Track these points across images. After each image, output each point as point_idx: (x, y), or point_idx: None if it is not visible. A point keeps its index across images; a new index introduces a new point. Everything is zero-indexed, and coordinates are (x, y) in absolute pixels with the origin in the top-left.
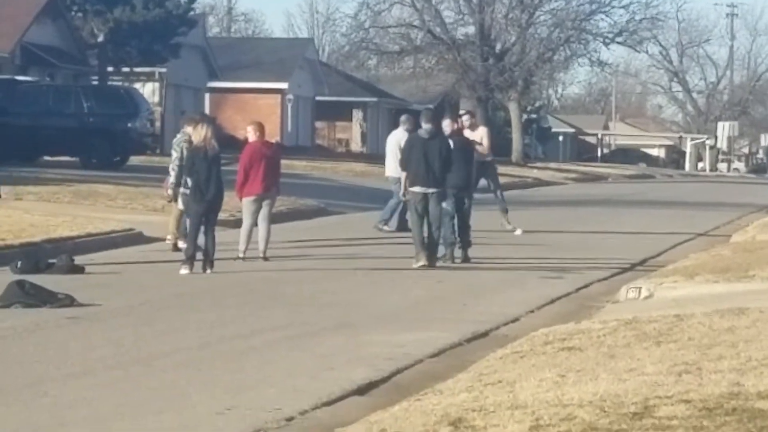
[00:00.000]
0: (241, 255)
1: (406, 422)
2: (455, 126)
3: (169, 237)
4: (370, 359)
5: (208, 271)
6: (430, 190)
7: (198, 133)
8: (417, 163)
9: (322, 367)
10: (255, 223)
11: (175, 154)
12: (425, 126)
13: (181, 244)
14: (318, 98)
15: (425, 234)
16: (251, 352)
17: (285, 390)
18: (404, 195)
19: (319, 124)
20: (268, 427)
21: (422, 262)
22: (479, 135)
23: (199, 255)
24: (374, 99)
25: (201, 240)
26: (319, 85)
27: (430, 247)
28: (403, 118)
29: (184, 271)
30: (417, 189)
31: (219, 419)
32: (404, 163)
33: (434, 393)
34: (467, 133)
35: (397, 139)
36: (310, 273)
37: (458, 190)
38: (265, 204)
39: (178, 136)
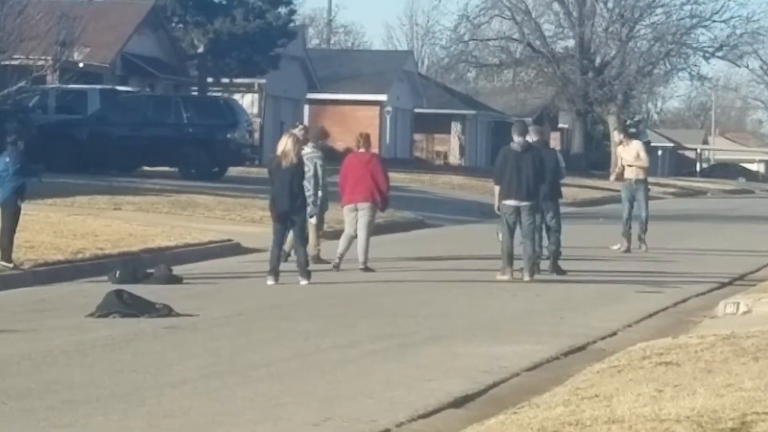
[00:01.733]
0: (336, 260)
1: None
2: (538, 137)
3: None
4: (467, 371)
5: (304, 282)
6: (523, 204)
7: (280, 144)
8: (510, 176)
9: (418, 378)
10: (354, 233)
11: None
12: (517, 139)
13: (321, 255)
14: (416, 110)
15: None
16: (347, 362)
17: (381, 401)
18: (498, 209)
19: (417, 137)
20: None
21: (507, 276)
22: (634, 150)
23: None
24: (473, 112)
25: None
26: (417, 98)
27: (528, 260)
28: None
29: (269, 282)
30: (510, 202)
31: (315, 430)
32: (498, 177)
33: (531, 406)
34: (620, 149)
35: None
36: (407, 284)
37: (542, 201)
38: (359, 214)
39: (307, 149)
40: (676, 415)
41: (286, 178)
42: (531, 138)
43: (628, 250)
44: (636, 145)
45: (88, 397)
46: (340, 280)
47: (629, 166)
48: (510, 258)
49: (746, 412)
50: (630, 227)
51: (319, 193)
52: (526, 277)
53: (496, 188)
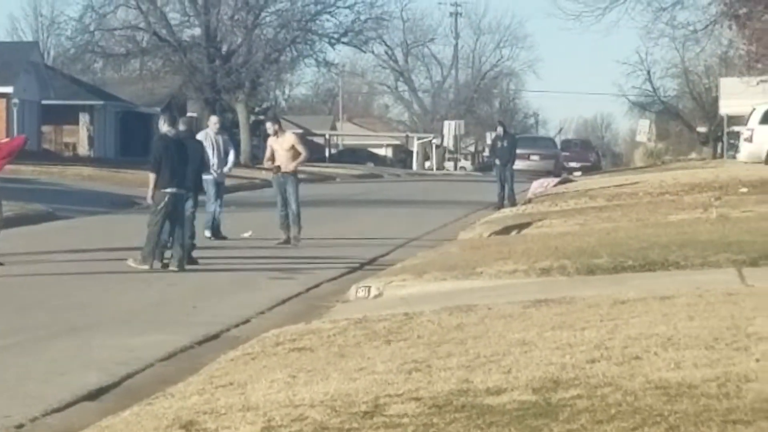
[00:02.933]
0: None
1: (137, 426)
2: (186, 128)
3: None
4: (102, 363)
5: None
6: (181, 192)
7: None
8: (172, 165)
9: (53, 372)
10: None
11: None
12: (167, 128)
13: None
14: (44, 102)
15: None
16: None
17: (15, 397)
18: (152, 198)
19: (45, 129)
20: None
21: (146, 266)
22: (289, 142)
23: None
24: (101, 102)
25: None
26: (45, 89)
27: (183, 250)
28: (213, 118)
29: None
30: (171, 190)
31: None
32: (156, 165)
33: (165, 397)
34: (272, 140)
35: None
36: (40, 278)
37: (189, 192)
38: None
39: None
40: (311, 400)
41: None
42: (180, 128)
43: (287, 242)
44: (290, 138)
45: None
46: None
47: (288, 158)
48: (154, 247)
49: (379, 394)
50: (286, 218)
51: None
52: (174, 267)
53: (152, 176)
